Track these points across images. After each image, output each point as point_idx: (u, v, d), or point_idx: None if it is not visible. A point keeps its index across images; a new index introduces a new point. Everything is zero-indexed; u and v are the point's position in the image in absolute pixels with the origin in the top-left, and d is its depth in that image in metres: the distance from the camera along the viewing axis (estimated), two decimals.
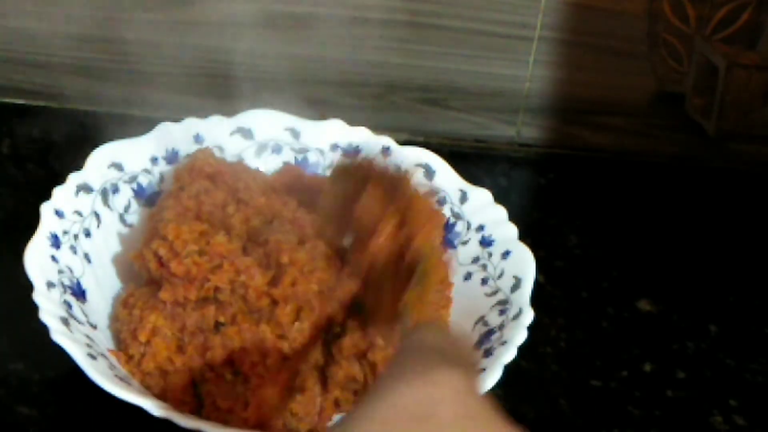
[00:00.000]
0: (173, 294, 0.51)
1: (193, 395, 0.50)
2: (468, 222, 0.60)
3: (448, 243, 0.59)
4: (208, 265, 0.51)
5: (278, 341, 0.50)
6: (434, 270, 0.47)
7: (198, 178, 0.56)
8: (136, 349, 0.51)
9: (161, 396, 0.50)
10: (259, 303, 0.50)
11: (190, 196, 0.55)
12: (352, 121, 0.63)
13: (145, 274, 0.53)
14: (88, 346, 0.49)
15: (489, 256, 0.58)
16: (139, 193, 0.59)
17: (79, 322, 0.51)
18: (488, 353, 0.52)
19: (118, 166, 0.58)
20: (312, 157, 0.62)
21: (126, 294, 0.54)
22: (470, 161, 0.75)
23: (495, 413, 0.33)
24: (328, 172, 0.61)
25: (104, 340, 0.52)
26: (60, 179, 0.56)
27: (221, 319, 0.51)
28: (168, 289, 0.51)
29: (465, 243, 0.59)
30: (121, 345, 0.52)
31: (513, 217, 0.59)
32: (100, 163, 0.58)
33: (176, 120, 0.61)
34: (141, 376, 0.51)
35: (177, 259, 0.51)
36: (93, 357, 0.48)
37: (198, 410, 0.50)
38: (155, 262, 0.52)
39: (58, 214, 0.54)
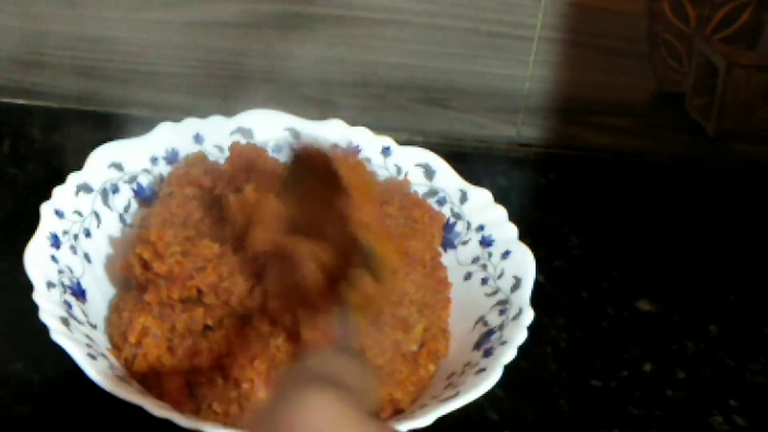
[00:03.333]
0: (157, 295, 0.51)
1: (189, 396, 0.50)
2: (468, 222, 0.60)
3: (448, 243, 0.59)
4: (191, 266, 0.51)
5: (263, 347, 0.49)
6: (376, 257, 0.45)
7: (186, 185, 0.56)
8: (127, 351, 0.51)
9: (159, 397, 0.50)
10: (241, 308, 0.50)
11: (178, 204, 0.55)
12: (352, 121, 0.63)
13: (134, 282, 0.53)
14: (88, 346, 0.49)
15: (489, 256, 0.58)
16: (139, 193, 0.59)
17: (79, 322, 0.51)
18: (488, 353, 0.52)
19: (118, 166, 0.58)
20: None
21: (117, 298, 0.54)
22: (470, 161, 0.74)
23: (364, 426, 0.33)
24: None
25: (104, 339, 0.52)
26: (60, 179, 0.56)
27: (209, 323, 0.51)
28: (152, 290, 0.51)
29: (465, 243, 0.59)
30: (114, 348, 0.52)
31: (513, 217, 0.59)
32: (100, 163, 0.58)
33: (176, 120, 0.61)
34: (138, 377, 0.51)
35: (160, 260, 0.51)
36: (93, 357, 0.48)
37: (197, 411, 0.50)
38: (140, 267, 0.52)
39: (58, 214, 0.54)
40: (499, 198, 0.60)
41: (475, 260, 0.58)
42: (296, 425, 0.33)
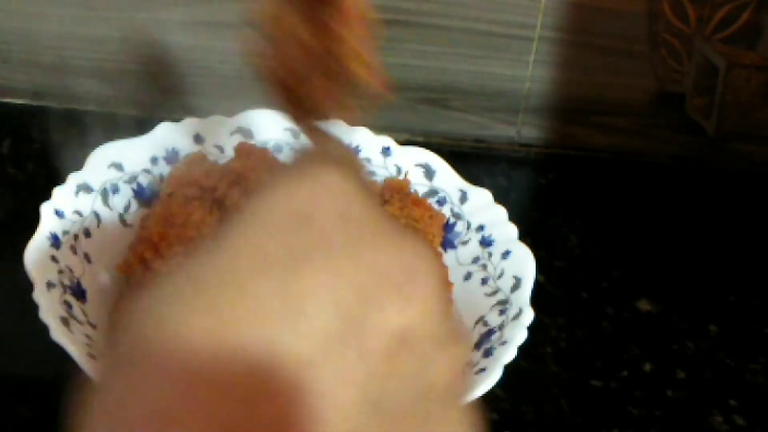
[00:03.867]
0: None
1: None
2: (468, 222, 0.60)
3: (448, 243, 0.59)
4: None
5: None
6: (360, 70, 0.46)
7: (186, 186, 0.56)
8: None
9: None
10: None
11: (178, 204, 0.55)
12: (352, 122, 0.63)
13: (134, 282, 0.53)
14: (88, 345, 0.49)
15: (489, 256, 0.58)
16: (139, 193, 0.59)
17: (79, 322, 0.51)
18: (488, 353, 0.52)
19: (118, 166, 0.58)
20: None
21: (117, 298, 0.54)
22: (470, 161, 0.75)
23: (376, 210, 0.31)
24: None
25: (104, 340, 0.52)
26: (60, 179, 0.56)
27: None
28: None
29: (465, 243, 0.59)
30: None
31: (513, 217, 0.59)
32: (100, 163, 0.58)
33: (176, 120, 0.61)
34: None
35: (161, 260, 0.51)
36: (93, 357, 0.48)
37: None
38: (141, 267, 0.52)
39: (58, 214, 0.54)
40: (499, 198, 0.60)
41: (475, 260, 0.58)
42: (304, 197, 0.30)
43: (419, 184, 0.61)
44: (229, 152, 0.60)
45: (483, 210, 0.60)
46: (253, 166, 0.54)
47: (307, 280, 0.28)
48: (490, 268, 0.57)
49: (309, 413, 0.27)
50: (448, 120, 0.77)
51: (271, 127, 0.62)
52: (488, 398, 0.51)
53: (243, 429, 0.26)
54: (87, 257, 0.55)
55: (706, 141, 0.77)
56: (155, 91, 0.74)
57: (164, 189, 0.57)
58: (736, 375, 0.60)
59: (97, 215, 0.57)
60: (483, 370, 0.50)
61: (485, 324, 0.54)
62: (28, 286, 0.50)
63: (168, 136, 0.60)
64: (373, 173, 0.61)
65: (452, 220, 0.60)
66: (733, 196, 0.76)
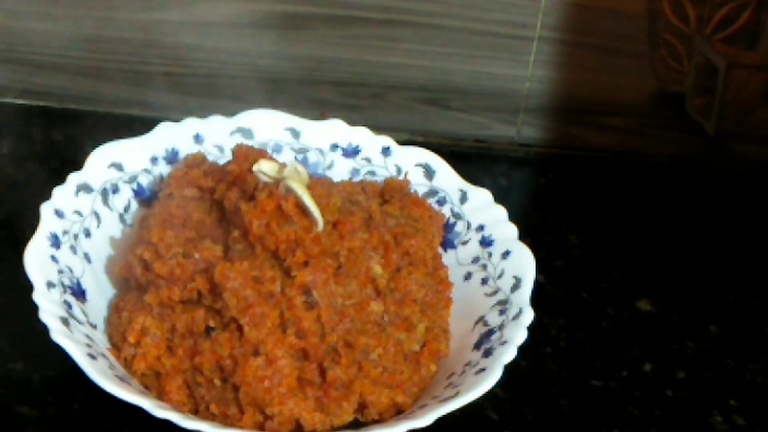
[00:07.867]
0: (158, 296, 0.51)
1: (189, 396, 0.50)
2: (468, 222, 0.60)
3: (448, 243, 0.59)
4: (192, 267, 0.51)
5: (264, 349, 0.49)
6: None
7: (186, 186, 0.56)
8: (127, 351, 0.51)
9: (159, 397, 0.50)
10: (242, 313, 0.50)
11: (177, 205, 0.55)
12: (352, 121, 0.63)
13: (133, 283, 0.53)
14: (88, 346, 0.49)
15: (489, 256, 0.58)
16: (139, 193, 0.59)
17: (79, 322, 0.51)
18: (488, 353, 0.52)
19: (118, 166, 0.58)
20: (312, 157, 0.62)
21: (117, 298, 0.54)
22: (470, 161, 0.75)
23: None
24: (328, 173, 0.61)
25: (104, 339, 0.52)
26: (60, 179, 0.56)
27: (211, 324, 0.50)
28: (153, 291, 0.51)
29: (465, 243, 0.59)
30: (114, 348, 0.52)
31: (513, 217, 0.59)
32: (100, 163, 0.58)
33: (176, 120, 0.61)
34: (137, 377, 0.51)
35: (161, 260, 0.51)
36: (93, 357, 0.48)
37: (195, 411, 0.50)
38: (141, 267, 0.52)
39: (58, 214, 0.54)
40: (499, 198, 0.60)
41: (475, 260, 0.58)
42: None
43: (419, 184, 0.61)
44: (229, 153, 0.60)
45: (483, 210, 0.60)
46: (251, 168, 0.54)
47: None
48: (490, 268, 0.57)
49: None
50: (448, 120, 0.77)
51: (271, 127, 0.62)
52: (488, 398, 0.51)
53: None
54: (87, 257, 0.55)
55: (706, 141, 0.77)
56: (155, 91, 0.74)
57: (164, 189, 0.57)
58: (736, 375, 0.60)
59: (97, 215, 0.57)
60: (483, 370, 0.50)
61: (485, 324, 0.54)
62: (28, 286, 0.50)
63: (168, 136, 0.60)
64: (373, 173, 0.62)
65: (452, 220, 0.60)
66: (733, 196, 0.76)
